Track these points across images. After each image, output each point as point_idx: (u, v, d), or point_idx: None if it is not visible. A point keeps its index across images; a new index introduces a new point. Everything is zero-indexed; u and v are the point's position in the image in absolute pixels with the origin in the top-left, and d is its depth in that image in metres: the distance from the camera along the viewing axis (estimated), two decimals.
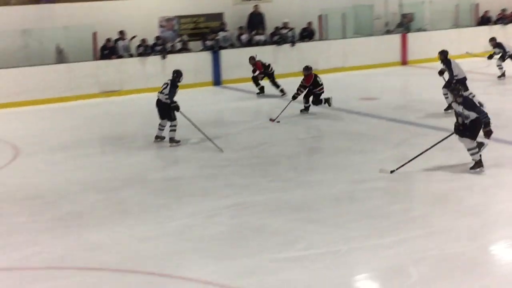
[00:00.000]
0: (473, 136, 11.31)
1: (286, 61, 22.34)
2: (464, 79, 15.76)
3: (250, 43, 22.71)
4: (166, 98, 13.88)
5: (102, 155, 13.64)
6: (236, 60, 21.43)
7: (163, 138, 14.17)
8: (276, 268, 8.15)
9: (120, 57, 20.89)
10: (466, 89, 15.09)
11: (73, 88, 19.72)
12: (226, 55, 21.86)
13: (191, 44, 22.38)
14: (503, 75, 20.23)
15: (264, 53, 21.61)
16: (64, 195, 11.18)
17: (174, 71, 14.30)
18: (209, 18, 23.45)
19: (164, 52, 21.15)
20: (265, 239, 9.05)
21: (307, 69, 16.85)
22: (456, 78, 15.62)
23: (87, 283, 7.91)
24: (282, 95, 19.27)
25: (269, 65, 19.69)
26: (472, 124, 11.24)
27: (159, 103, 14.13)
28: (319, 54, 22.51)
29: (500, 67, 20.29)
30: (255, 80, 19.78)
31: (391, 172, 11.44)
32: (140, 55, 21.10)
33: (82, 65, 20.21)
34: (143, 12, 22.17)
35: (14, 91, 19.12)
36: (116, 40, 21.12)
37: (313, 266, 8.19)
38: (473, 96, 12.97)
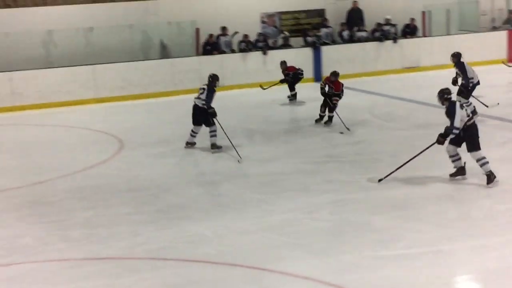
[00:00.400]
0: (475, 147, 10.73)
1: (388, 57, 22.14)
2: (478, 83, 14.88)
3: (351, 40, 22.56)
4: (203, 104, 13.30)
5: (203, 149, 13.79)
6: (337, 57, 21.35)
7: (194, 144, 13.74)
8: (376, 265, 8.06)
9: (222, 52, 21.12)
10: (469, 96, 14.51)
11: (176, 83, 20.08)
12: (327, 51, 21.79)
13: (292, 40, 22.43)
14: None
15: (366, 50, 21.48)
16: (166, 188, 11.38)
17: (209, 76, 13.66)
18: (310, 14, 23.44)
19: (265, 48, 21.24)
20: (365, 236, 8.96)
21: (335, 74, 15.44)
22: (472, 82, 14.72)
23: (189, 275, 8.02)
24: (290, 100, 18.46)
25: (300, 69, 18.81)
26: (466, 134, 10.75)
27: (195, 108, 13.51)
28: (422, 51, 22.17)
29: None
30: (290, 85, 18.65)
31: (379, 181, 11.10)
32: (241, 51, 21.27)
33: (185, 60, 20.52)
34: (245, 8, 22.36)
35: (119, 85, 19.61)
36: (218, 36, 21.37)
37: (413, 264, 8.06)
38: (469, 105, 12.30)
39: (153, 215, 10.07)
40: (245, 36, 21.35)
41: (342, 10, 23.39)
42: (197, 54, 21.47)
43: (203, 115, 13.40)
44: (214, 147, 13.41)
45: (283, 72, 18.72)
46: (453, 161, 11.08)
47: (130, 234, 9.30)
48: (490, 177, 10.69)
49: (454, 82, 14.97)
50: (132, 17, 21.33)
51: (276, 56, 20.82)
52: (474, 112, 11.36)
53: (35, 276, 8.10)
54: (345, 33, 22.63)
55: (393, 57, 22.12)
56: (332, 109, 15.22)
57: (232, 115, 16.91)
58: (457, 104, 10.77)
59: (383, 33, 22.54)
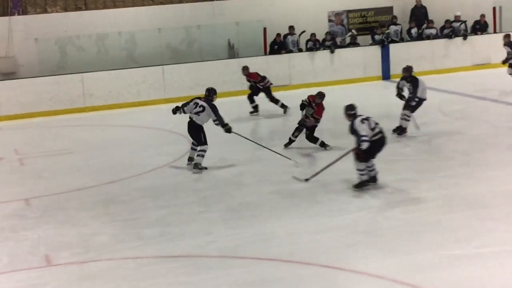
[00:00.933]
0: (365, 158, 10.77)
1: (458, 55, 21.82)
2: (423, 100, 14.15)
3: (420, 37, 22.32)
4: (217, 124, 12.69)
5: (272, 148, 13.83)
6: (405, 54, 21.10)
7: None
8: (451, 264, 7.96)
9: (289, 52, 21.13)
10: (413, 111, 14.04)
11: (244, 82, 20.12)
12: (395, 49, 21.60)
13: (360, 39, 22.31)
14: None
15: (435, 47, 21.25)
16: (237, 186, 11.46)
17: (206, 90, 12.99)
18: (378, 12, 23.30)
19: (333, 47, 21.18)
20: (438, 235, 8.85)
21: (321, 96, 13.41)
22: (417, 98, 14.00)
23: (260, 273, 8.05)
24: (285, 111, 17.14)
25: (264, 77, 17.37)
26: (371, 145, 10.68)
27: (190, 124, 12.74)
28: (493, 48, 21.74)
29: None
30: (250, 96, 17.48)
31: (306, 180, 11.11)
32: (308, 49, 21.25)
33: (252, 60, 20.60)
34: (313, 7, 22.38)
35: (187, 85, 19.79)
36: (286, 36, 21.39)
37: (489, 264, 7.93)
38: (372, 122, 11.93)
39: (225, 213, 10.16)
40: (313, 35, 21.32)
41: (410, 7, 23.19)
42: (265, 53, 21.54)
43: (197, 131, 12.67)
44: (196, 167, 12.46)
45: (246, 79, 17.63)
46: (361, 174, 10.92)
47: (203, 233, 9.39)
48: (361, 184, 10.86)
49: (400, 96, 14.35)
50: (199, 17, 21.53)
51: (344, 54, 20.79)
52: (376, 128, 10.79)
53: (112, 273, 8.24)
54: (413, 31, 22.41)
55: (463, 54, 21.80)
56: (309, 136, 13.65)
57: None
58: (357, 119, 10.74)
59: (452, 30, 22.22)
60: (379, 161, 11.93)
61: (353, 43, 21.97)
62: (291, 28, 21.44)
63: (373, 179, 10.97)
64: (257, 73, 17.38)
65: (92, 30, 20.74)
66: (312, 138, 13.55)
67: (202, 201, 10.85)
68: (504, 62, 18.09)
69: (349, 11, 23.04)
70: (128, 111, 18.87)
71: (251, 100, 17.33)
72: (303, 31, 21.50)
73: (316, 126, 13.50)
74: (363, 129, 10.62)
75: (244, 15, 21.74)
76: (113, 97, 19.39)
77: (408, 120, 14.08)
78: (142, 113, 18.58)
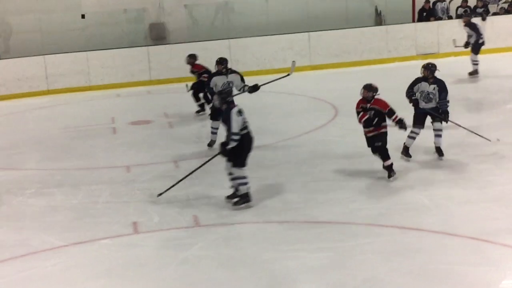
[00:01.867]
0: (237, 163, 9.21)
1: None
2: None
3: None
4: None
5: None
6: None
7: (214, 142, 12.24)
8: None
9: (439, 19, 20.59)
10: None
11: (390, 50, 19.85)
12: None
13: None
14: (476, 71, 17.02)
15: None
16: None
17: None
18: None
19: (484, 14, 20.44)
20: None
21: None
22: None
23: (407, 243, 7.94)
24: (198, 113, 14.92)
25: (208, 70, 14.33)
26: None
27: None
28: None
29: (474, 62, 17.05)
30: (195, 93, 14.81)
31: (158, 195, 9.76)
32: (458, 17, 20.61)
33: (400, 27, 20.23)
34: None
35: (333, 53, 19.71)
36: (435, 2, 20.85)
37: None
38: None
39: (370, 182, 10.07)
40: (464, 1, 20.65)
41: None
42: (413, 21, 21.08)
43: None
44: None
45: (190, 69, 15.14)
46: (231, 180, 9.44)
47: (347, 200, 9.36)
48: (241, 200, 9.27)
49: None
50: None
51: (497, 22, 20.02)
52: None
53: (257, 236, 8.38)
54: None
55: None
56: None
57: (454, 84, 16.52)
58: (234, 109, 9.16)
59: None
60: None
61: (508, 11, 21.12)
62: None
63: (244, 197, 9.32)
64: (202, 65, 14.86)
65: None
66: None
67: (346, 169, 10.77)
68: (466, 46, 17.20)
69: None
70: (273, 77, 18.97)
71: (196, 98, 14.94)
72: None
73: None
74: (238, 122, 9.13)
75: None
76: (260, 64, 19.56)
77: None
78: (287, 79, 18.63)
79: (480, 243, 7.78)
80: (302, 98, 16.37)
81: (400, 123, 9.85)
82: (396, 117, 9.86)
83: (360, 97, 10.06)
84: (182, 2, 20.84)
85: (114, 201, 9.90)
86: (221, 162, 9.85)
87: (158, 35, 20.93)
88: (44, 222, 9.22)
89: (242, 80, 12.34)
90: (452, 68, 18.18)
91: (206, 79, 13.17)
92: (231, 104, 9.40)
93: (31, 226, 9.11)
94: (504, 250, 7.59)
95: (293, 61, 13.06)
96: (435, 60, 17.38)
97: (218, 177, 10.41)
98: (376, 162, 10.47)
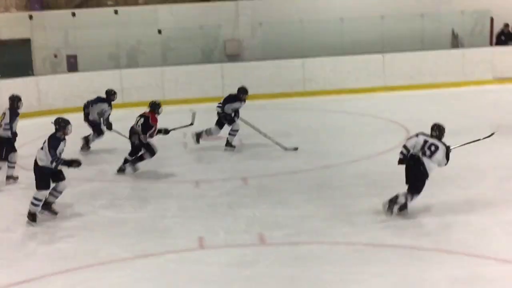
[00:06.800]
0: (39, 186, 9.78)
1: None
2: None
3: None
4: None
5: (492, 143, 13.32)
6: None
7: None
8: None
9: None
10: None
11: (467, 73, 19.56)
12: None
13: None
14: None
15: None
16: (453, 180, 11.07)
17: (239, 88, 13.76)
18: None
19: None
20: None
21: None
22: None
23: (475, 271, 7.78)
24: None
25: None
26: None
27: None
28: None
29: None
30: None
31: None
32: None
33: (477, 50, 19.94)
34: None
35: (408, 74, 19.54)
36: None
37: None
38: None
39: (437, 205, 9.87)
40: None
41: None
42: (491, 44, 20.73)
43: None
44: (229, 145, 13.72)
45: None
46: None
47: (415, 224, 9.21)
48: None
49: None
50: (423, 6, 21.13)
51: None
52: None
53: (322, 257, 8.31)
54: None
55: None
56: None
57: None
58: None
59: None
60: None
61: None
62: None
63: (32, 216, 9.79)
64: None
65: (313, 16, 20.99)
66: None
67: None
68: None
69: None
70: (346, 97, 18.95)
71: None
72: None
73: None
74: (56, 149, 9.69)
75: (471, 4, 21.03)
76: (332, 83, 19.53)
77: None
78: (360, 100, 18.59)
79: None
80: (374, 120, 16.24)
81: None
82: None
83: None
84: (257, 19, 20.98)
85: (182, 215, 9.99)
86: (289, 180, 9.82)
87: (232, 52, 21.11)
88: (112, 233, 9.36)
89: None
90: None
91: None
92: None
93: (100, 236, 9.26)
94: None
95: (193, 112, 13.32)
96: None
97: (284, 195, 10.40)
98: (447, 189, 10.33)
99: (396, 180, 11.11)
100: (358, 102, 18.37)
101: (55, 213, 10.00)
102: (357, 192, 10.74)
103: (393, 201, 9.51)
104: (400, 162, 9.65)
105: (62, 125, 9.79)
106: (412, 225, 9.21)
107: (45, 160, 9.63)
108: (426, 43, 20.88)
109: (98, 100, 14.15)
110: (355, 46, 20.75)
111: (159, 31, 20.90)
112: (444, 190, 10.50)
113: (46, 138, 9.80)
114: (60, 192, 9.99)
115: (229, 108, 13.70)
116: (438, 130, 9.63)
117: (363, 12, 21.11)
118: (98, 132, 14.11)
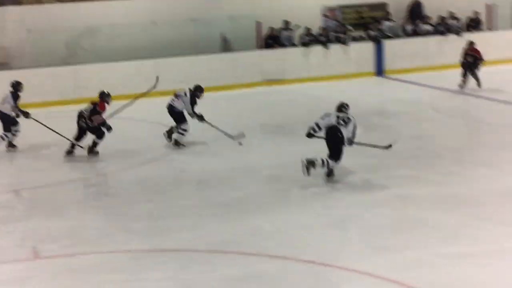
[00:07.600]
0: None
1: (452, 52, 21.72)
2: None
3: (415, 33, 22.31)
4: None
5: (263, 143, 13.79)
6: (400, 51, 21.17)
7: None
8: (439, 263, 7.93)
9: (284, 46, 21.07)
10: None
11: (237, 76, 20.09)
12: (389, 45, 21.55)
13: (354, 34, 22.25)
14: None
15: (429, 44, 21.30)
16: (227, 181, 11.42)
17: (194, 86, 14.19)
18: (372, 8, 23.23)
19: (327, 43, 21.11)
20: (427, 232, 8.83)
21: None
22: None
23: (248, 268, 8.01)
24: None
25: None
26: None
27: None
28: (486, 45, 21.70)
29: None
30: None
31: None
32: (303, 45, 21.16)
33: (246, 54, 20.53)
34: (307, 2, 22.25)
35: (180, 79, 19.67)
36: (280, 30, 21.32)
37: (477, 262, 7.92)
38: None
39: (215, 208, 10.10)
40: (308, 29, 21.24)
41: (405, 3, 23.16)
42: (258, 48, 21.45)
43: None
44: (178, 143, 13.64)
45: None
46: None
47: (191, 227, 9.34)
48: None
49: None
50: (194, 11, 21.41)
51: (338, 50, 20.76)
52: None
53: (100, 267, 8.19)
54: (409, 27, 22.40)
55: (457, 51, 21.73)
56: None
57: (292, 109, 16.93)
58: None
59: (446, 27, 22.23)
60: (370, 156, 11.87)
61: (340, 41, 21.75)
62: (287, 23, 21.35)
63: None
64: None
65: (84, 22, 20.61)
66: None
67: (192, 195, 10.81)
68: None
69: (343, 7, 22.93)
70: (123, 104, 18.76)
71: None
72: (299, 26, 21.40)
73: None
74: None
75: (239, 9, 21.53)
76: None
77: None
78: (137, 106, 18.45)
79: (320, 267, 7.94)
80: (149, 125, 16.20)
81: None
82: None
83: None
84: (25, 26, 20.21)
85: None
86: (64, 190, 9.55)
87: None
88: None
89: None
90: (298, 93, 18.69)
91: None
92: None
93: None
94: (342, 272, 7.80)
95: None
96: (280, 86, 17.86)
97: (58, 206, 10.18)
98: (221, 190, 10.59)
99: (169, 184, 11.31)
100: (135, 108, 18.21)
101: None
102: (133, 199, 10.73)
103: (311, 163, 10.43)
104: (309, 135, 10.92)
105: None
106: (188, 228, 9.32)
107: None
108: (197, 48, 21.13)
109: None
110: (128, 52, 20.57)
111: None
112: (226, 192, 10.76)
113: None
114: None
115: None
116: (347, 107, 10.97)
117: (134, 17, 21.00)
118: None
